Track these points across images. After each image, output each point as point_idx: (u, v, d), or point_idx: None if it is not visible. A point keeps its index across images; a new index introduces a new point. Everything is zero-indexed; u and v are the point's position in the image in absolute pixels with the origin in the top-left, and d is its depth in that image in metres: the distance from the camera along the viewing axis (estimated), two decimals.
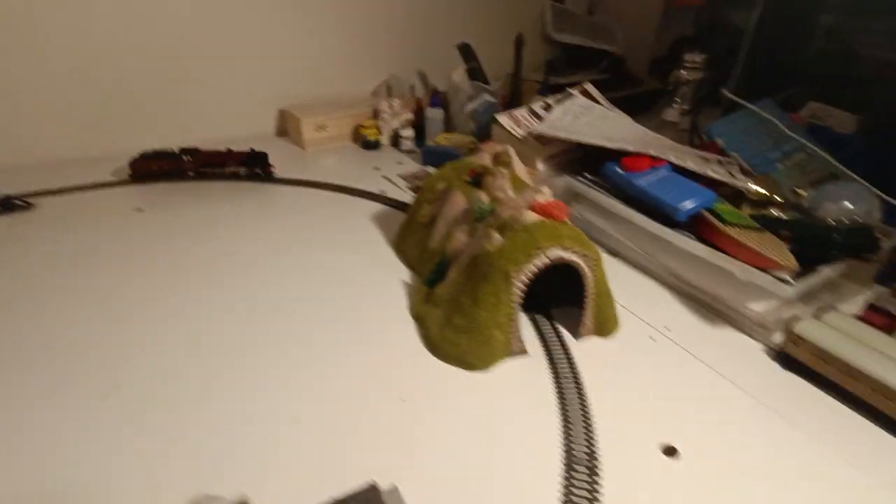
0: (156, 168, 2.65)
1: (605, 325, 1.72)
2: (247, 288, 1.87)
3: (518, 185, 1.85)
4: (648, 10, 4.72)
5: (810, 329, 1.52)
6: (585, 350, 1.66)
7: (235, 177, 2.78)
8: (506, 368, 1.57)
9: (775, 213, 1.91)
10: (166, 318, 1.69)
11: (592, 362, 1.60)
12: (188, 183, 2.74)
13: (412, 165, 3.08)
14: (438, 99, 3.22)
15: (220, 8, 3.07)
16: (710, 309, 1.85)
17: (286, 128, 3.57)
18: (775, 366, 1.62)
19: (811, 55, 3.40)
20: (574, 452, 1.30)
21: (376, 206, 2.55)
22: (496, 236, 1.61)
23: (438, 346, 1.63)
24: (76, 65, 2.77)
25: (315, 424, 1.34)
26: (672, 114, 2.74)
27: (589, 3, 4.43)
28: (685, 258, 1.86)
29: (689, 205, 1.81)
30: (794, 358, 1.57)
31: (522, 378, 1.54)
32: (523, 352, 1.62)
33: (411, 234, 2.11)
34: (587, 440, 1.32)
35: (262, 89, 3.41)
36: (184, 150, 2.75)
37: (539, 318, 1.78)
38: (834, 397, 1.49)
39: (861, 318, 1.61)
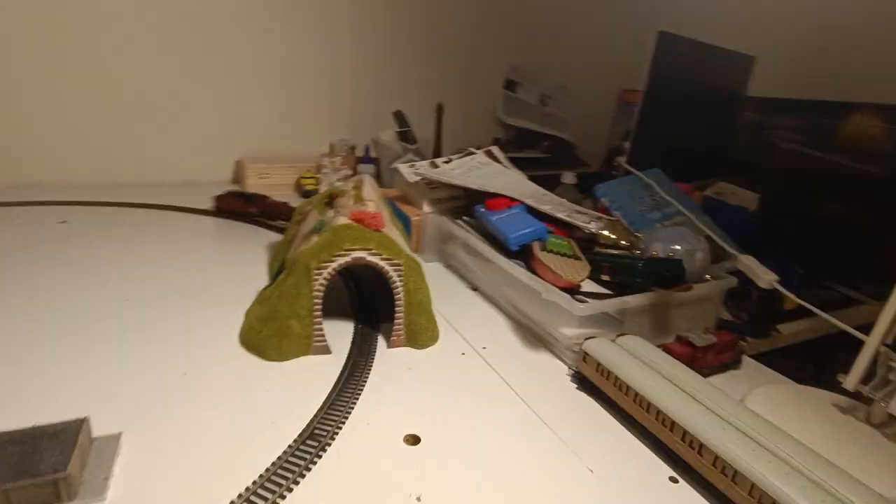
0: (233, 206, 2.86)
1: (418, 337, 1.76)
2: (123, 289, 2.00)
3: (359, 203, 1.99)
4: (603, 105, 5.12)
5: (596, 347, 1.54)
6: (390, 356, 1.69)
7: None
8: (300, 363, 1.62)
9: (614, 252, 1.99)
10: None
11: (391, 368, 1.63)
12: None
13: None
14: (369, 157, 3.48)
15: (193, 63, 3.50)
16: (534, 335, 1.88)
17: (239, 175, 3.85)
18: (568, 383, 1.62)
19: (736, 145, 3.67)
20: (316, 430, 1.31)
21: (274, 235, 2.70)
22: (314, 239, 1.72)
23: (244, 334, 1.70)
24: (50, 100, 3.15)
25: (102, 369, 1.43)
26: (569, 177, 2.91)
27: (542, 95, 4.81)
28: (518, 288, 1.93)
29: (519, 234, 1.91)
30: (582, 375, 1.58)
31: (310, 372, 1.57)
32: (325, 351, 1.67)
33: (280, 251, 2.24)
34: (334, 424, 1.34)
35: (222, 141, 3.76)
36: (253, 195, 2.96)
37: (366, 328, 1.84)
38: (609, 411, 1.48)
39: (663, 347, 1.62)
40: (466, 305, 2.11)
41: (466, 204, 2.62)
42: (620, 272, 1.72)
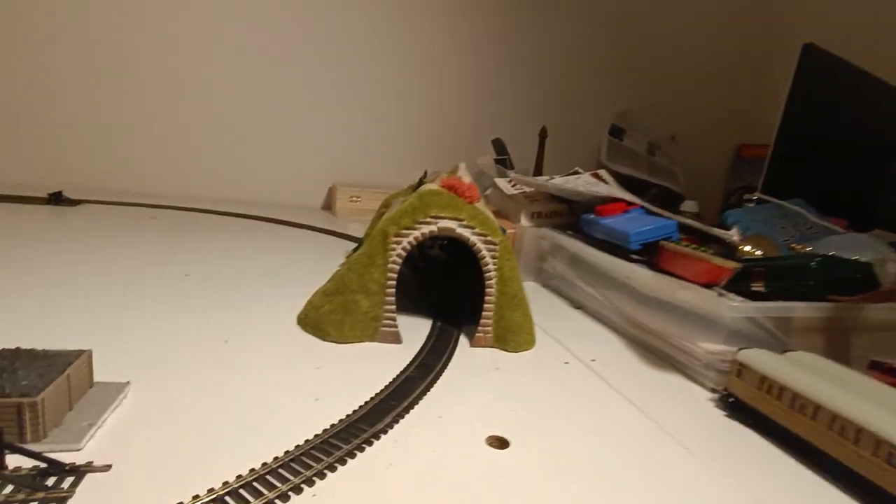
0: None
1: (511, 336, 1.40)
2: (187, 269, 1.88)
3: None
4: (716, 160, 4.68)
5: (761, 358, 1.11)
6: (472, 355, 1.34)
7: None
8: (361, 348, 1.31)
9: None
10: None
11: (473, 367, 1.28)
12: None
13: None
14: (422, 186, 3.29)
15: (293, 91, 3.60)
16: (657, 352, 1.45)
17: (330, 201, 3.81)
18: (706, 404, 1.17)
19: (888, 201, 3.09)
20: (371, 414, 0.98)
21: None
22: (391, 211, 1.47)
23: (302, 313, 1.43)
24: (149, 112, 3.33)
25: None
26: (690, 205, 2.51)
27: (649, 143, 4.47)
28: (638, 297, 1.54)
29: (641, 230, 1.54)
30: (732, 395, 1.13)
31: (372, 358, 1.26)
32: (395, 339, 1.35)
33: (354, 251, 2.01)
34: (394, 411, 1.00)
35: (316, 167, 3.77)
36: None
37: (445, 325, 1.51)
38: (774, 442, 1.01)
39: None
40: (569, 322, 1.72)
41: (568, 221, 2.29)
42: (783, 276, 1.28)
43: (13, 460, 0.72)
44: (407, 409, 1.03)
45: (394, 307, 1.35)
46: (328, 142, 3.79)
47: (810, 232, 2.08)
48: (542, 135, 3.12)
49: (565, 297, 1.98)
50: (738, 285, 1.33)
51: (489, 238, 1.38)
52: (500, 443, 0.95)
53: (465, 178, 1.81)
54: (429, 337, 1.41)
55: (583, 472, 0.89)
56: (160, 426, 0.88)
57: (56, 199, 2.79)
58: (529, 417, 1.05)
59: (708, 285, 1.28)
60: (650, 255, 1.53)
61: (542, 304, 1.89)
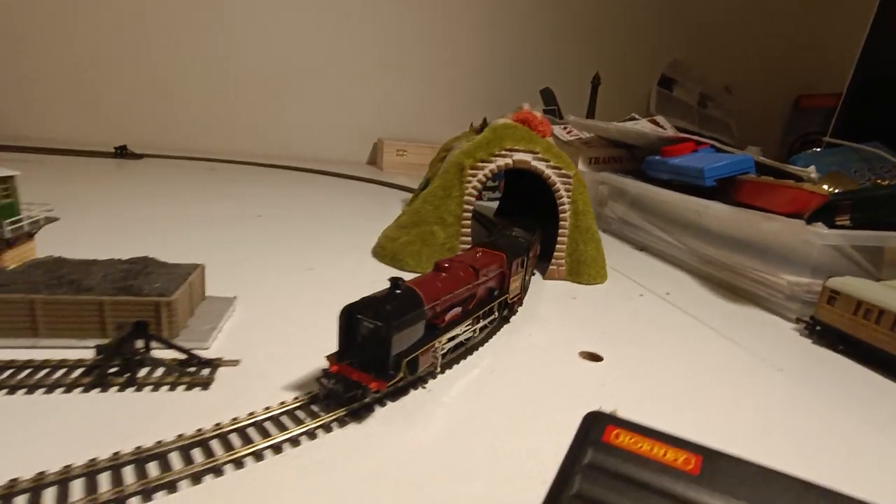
0: None
1: (584, 269, 1.40)
2: (257, 210, 1.94)
3: None
4: (773, 111, 4.48)
5: (857, 284, 1.09)
6: (547, 287, 1.36)
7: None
8: None
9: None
10: None
11: (550, 296, 1.30)
12: None
13: None
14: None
15: (340, 46, 3.57)
16: (732, 287, 1.44)
17: (376, 156, 3.82)
18: (790, 332, 1.16)
19: None
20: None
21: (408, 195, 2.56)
22: (464, 144, 1.47)
23: (380, 245, 1.46)
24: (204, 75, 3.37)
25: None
26: (754, 151, 2.42)
27: (701, 95, 4.31)
28: (711, 235, 1.52)
29: (716, 165, 1.51)
30: (821, 324, 1.12)
31: None
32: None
33: (418, 191, 2.03)
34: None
35: (361, 123, 3.77)
36: None
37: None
38: (866, 366, 1.01)
39: None
40: (635, 261, 1.71)
41: (627, 165, 2.25)
42: (873, 207, 1.24)
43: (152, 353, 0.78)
44: (497, 328, 1.06)
45: (469, 238, 1.37)
46: (374, 97, 3.78)
47: (889, 174, 2.00)
48: (595, 82, 3.04)
49: (627, 240, 1.97)
50: (821, 219, 1.29)
51: (564, 171, 1.37)
52: (593, 357, 0.97)
53: (536, 113, 1.79)
54: None
55: (677, 383, 0.90)
56: (267, 332, 0.93)
57: (121, 152, 2.89)
58: (616, 338, 1.07)
59: (794, 215, 1.25)
60: (723, 191, 1.50)
61: (606, 247, 1.86)
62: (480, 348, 0.97)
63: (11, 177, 0.84)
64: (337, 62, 3.63)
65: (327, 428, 0.71)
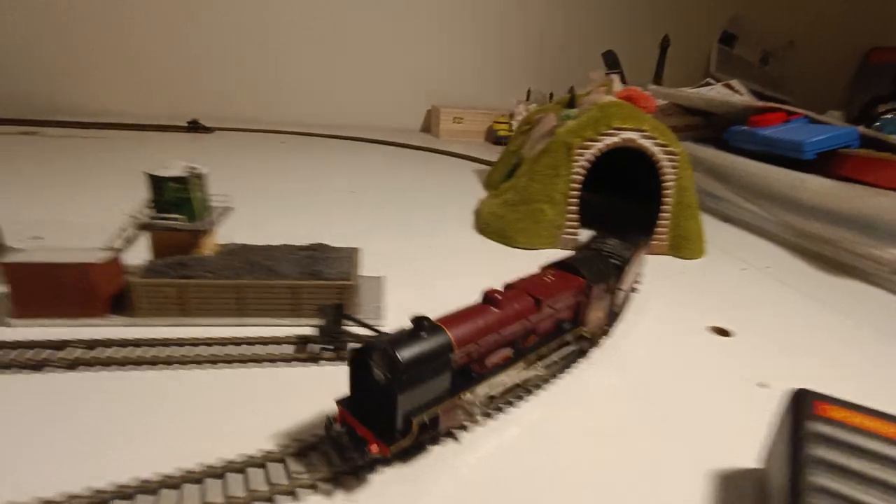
0: None
1: (686, 245, 1.46)
2: (348, 185, 2.02)
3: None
4: (840, 68, 4.30)
5: None
6: (649, 262, 1.42)
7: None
8: (545, 254, 1.40)
9: None
10: None
11: (655, 271, 1.36)
12: None
13: None
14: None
15: (393, 12, 3.56)
16: (828, 260, 1.47)
17: (429, 124, 3.84)
18: None
19: None
20: None
21: (478, 166, 2.61)
22: (570, 123, 1.51)
23: (486, 221, 1.53)
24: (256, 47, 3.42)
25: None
26: (835, 116, 2.37)
27: (763, 52, 4.16)
28: (807, 209, 1.54)
29: (817, 139, 1.52)
30: None
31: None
32: (575, 247, 1.44)
33: (500, 164, 2.08)
34: None
35: (414, 90, 3.78)
36: None
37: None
38: None
39: None
40: (725, 233, 1.75)
41: (704, 134, 2.24)
42: None
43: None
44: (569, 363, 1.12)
45: (576, 216, 1.43)
46: (427, 64, 3.77)
47: None
48: (664, 44, 2.98)
49: (709, 211, 1.99)
50: None
51: (670, 148, 1.41)
52: (721, 331, 1.04)
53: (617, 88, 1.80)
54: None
55: (810, 357, 0.97)
56: (425, 310, 1.02)
57: (194, 126, 2.99)
58: (735, 312, 1.13)
59: None
60: (818, 163, 1.51)
61: None
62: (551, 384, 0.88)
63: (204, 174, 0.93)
64: (390, 27, 3.62)
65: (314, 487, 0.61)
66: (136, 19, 3.22)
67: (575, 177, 1.41)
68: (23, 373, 0.75)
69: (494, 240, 1.47)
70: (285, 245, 1.02)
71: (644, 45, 3.41)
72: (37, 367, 0.76)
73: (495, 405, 0.77)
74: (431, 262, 1.28)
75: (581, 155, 1.40)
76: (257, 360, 0.81)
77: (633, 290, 1.10)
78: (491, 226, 1.50)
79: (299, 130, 3.23)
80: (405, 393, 0.61)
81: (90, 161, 2.10)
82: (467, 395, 0.70)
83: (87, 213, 1.43)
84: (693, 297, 1.20)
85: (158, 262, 0.89)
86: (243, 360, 0.81)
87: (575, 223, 1.43)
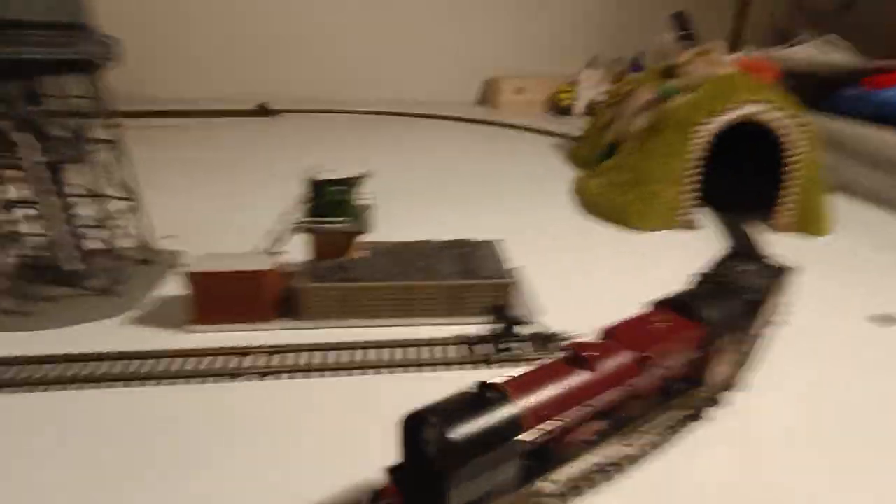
0: None
1: (814, 220, 1.39)
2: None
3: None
4: None
5: None
6: (776, 240, 1.36)
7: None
8: (665, 236, 1.36)
9: None
10: None
11: (787, 251, 1.30)
12: None
13: None
14: (640, 65, 3.10)
15: None
16: None
17: (486, 96, 3.76)
18: None
19: None
20: None
21: (554, 140, 2.55)
22: (681, 98, 1.44)
23: (595, 203, 1.50)
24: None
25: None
26: None
27: None
28: None
29: None
30: None
31: (675, 243, 1.31)
32: (692, 227, 1.39)
33: (587, 140, 2.02)
34: None
35: (470, 61, 3.69)
36: None
37: (726, 213, 1.52)
38: None
39: None
40: (842, 206, 1.66)
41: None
42: None
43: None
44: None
45: (694, 195, 1.38)
46: (482, 33, 3.65)
47: None
48: (745, 1, 2.80)
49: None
50: None
51: (800, 120, 1.33)
52: (884, 320, 0.99)
53: (726, 57, 1.71)
54: (721, 223, 1.44)
55: None
56: (574, 303, 1.00)
57: (262, 110, 3.00)
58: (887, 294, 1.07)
59: None
60: None
61: None
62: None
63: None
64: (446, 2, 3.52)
65: None
66: (196, 3, 3.22)
67: (694, 154, 1.35)
68: (222, 381, 0.78)
69: (607, 220, 1.44)
70: (427, 241, 1.01)
71: (712, 3, 3.21)
72: (233, 375, 0.78)
73: (578, 492, 0.62)
74: (556, 250, 1.26)
75: (701, 130, 1.34)
76: (432, 363, 0.81)
77: (770, 325, 0.81)
78: (602, 207, 1.46)
79: (357, 109, 3.20)
80: (459, 487, 0.49)
81: (170, 153, 2.10)
82: (542, 484, 0.56)
83: (195, 207, 1.46)
84: (838, 273, 1.15)
85: (320, 265, 0.90)
86: (419, 365, 0.81)
87: (693, 203, 1.38)
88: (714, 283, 0.76)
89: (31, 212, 0.92)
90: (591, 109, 3.30)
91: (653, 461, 0.69)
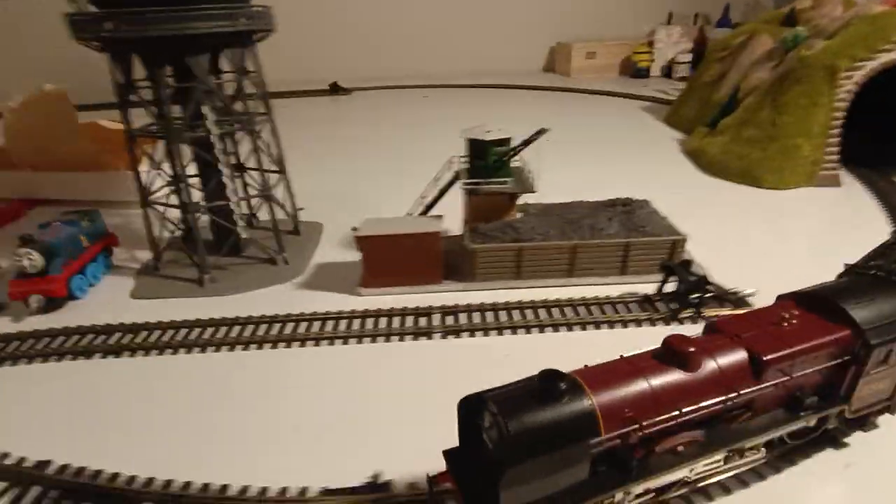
0: None
1: None
2: None
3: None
4: None
5: None
6: None
7: None
8: (804, 194, 1.28)
9: None
10: None
11: None
12: None
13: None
14: (728, 19, 2.93)
15: None
16: None
17: (553, 62, 3.65)
18: None
19: None
20: None
21: (641, 103, 2.45)
22: (818, 44, 1.34)
23: (719, 163, 1.42)
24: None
25: None
26: None
27: None
28: None
29: None
30: None
31: (828, 207, 1.23)
32: (835, 183, 1.31)
33: (690, 98, 1.92)
34: None
35: (536, 27, 3.57)
36: None
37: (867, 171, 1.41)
38: None
39: None
40: None
41: None
42: None
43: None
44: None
45: (837, 149, 1.29)
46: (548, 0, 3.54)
47: None
48: None
49: None
50: None
51: None
52: None
53: None
54: (862, 181, 1.35)
55: None
56: (737, 263, 0.96)
57: (334, 89, 3.02)
58: None
59: None
60: None
61: None
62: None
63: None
64: None
65: None
66: None
67: (839, 104, 1.26)
68: (406, 339, 0.79)
69: (735, 181, 1.37)
70: (579, 201, 0.99)
71: None
72: (417, 334, 0.79)
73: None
74: (693, 210, 1.20)
75: (848, 79, 1.25)
76: (609, 321, 0.80)
77: None
78: (729, 166, 1.39)
79: (426, 83, 3.17)
80: (516, 486, 0.42)
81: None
82: (619, 496, 0.47)
83: (310, 180, 1.48)
84: None
85: (486, 226, 0.89)
86: (596, 323, 0.80)
87: (835, 156, 1.29)
88: (871, 277, 0.60)
89: (196, 184, 0.95)
90: (672, 69, 3.16)
91: (757, 487, 0.56)
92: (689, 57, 3.06)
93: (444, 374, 0.72)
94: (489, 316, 0.82)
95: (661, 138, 1.82)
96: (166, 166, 0.92)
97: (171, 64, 0.85)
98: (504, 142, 0.87)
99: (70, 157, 1.37)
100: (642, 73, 3.22)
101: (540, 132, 0.85)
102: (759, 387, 0.50)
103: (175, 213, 1.01)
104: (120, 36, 0.77)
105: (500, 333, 0.78)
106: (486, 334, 0.78)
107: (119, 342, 0.81)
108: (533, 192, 0.88)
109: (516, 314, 0.82)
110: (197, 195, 0.95)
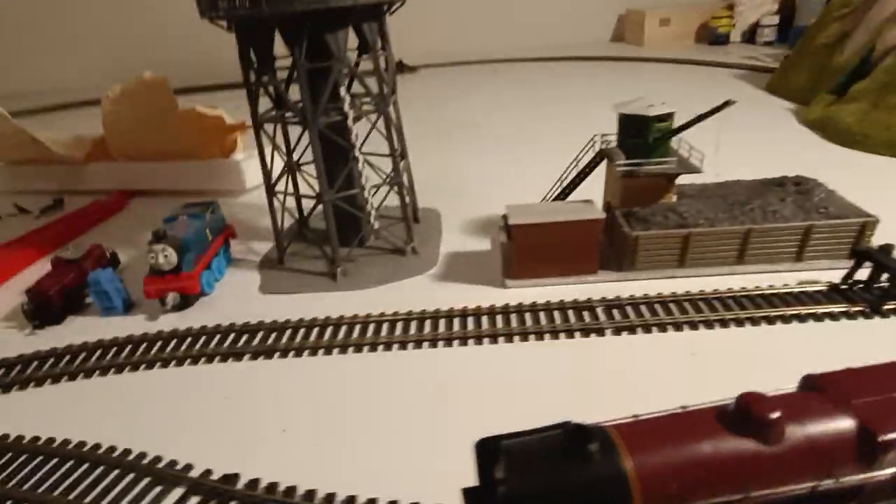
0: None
1: None
2: None
3: None
4: None
5: None
6: None
7: None
8: None
9: None
10: None
11: None
12: None
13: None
14: None
15: None
16: None
17: (622, 31, 3.47)
18: None
19: None
20: None
21: (732, 72, 2.28)
22: None
23: (856, 133, 1.29)
24: None
25: None
26: None
27: None
28: None
29: None
30: None
31: None
32: None
33: (801, 63, 1.76)
34: None
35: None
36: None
37: None
38: None
39: None
40: None
41: None
42: None
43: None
44: None
45: None
46: None
47: None
48: None
49: None
50: None
51: None
52: None
53: None
54: None
55: None
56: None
57: (400, 67, 2.95)
58: None
59: None
60: None
61: None
62: None
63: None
64: None
65: None
66: None
67: None
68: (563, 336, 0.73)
69: (881, 153, 1.23)
70: (737, 181, 0.90)
71: None
72: (588, 330, 0.73)
73: None
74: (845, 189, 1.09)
75: None
76: (798, 316, 0.71)
77: None
78: (871, 136, 1.26)
79: (489, 58, 3.07)
80: None
81: None
82: None
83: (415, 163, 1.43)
84: None
85: (643, 211, 0.81)
86: (784, 317, 0.71)
87: None
88: None
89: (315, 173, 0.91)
90: (756, 34, 2.94)
91: None
92: (775, 20, 2.84)
93: (621, 375, 0.66)
94: (658, 308, 0.75)
95: (771, 109, 1.68)
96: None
97: (308, 42, 0.79)
98: (666, 117, 0.79)
99: (170, 145, 1.36)
100: (722, 40, 3.02)
101: (726, 104, 0.76)
102: (866, 475, 0.36)
103: (291, 203, 0.97)
104: (260, 14, 0.72)
105: (679, 329, 0.71)
106: (662, 330, 0.71)
107: (265, 342, 0.77)
108: (699, 171, 0.79)
109: (688, 306, 0.74)
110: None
